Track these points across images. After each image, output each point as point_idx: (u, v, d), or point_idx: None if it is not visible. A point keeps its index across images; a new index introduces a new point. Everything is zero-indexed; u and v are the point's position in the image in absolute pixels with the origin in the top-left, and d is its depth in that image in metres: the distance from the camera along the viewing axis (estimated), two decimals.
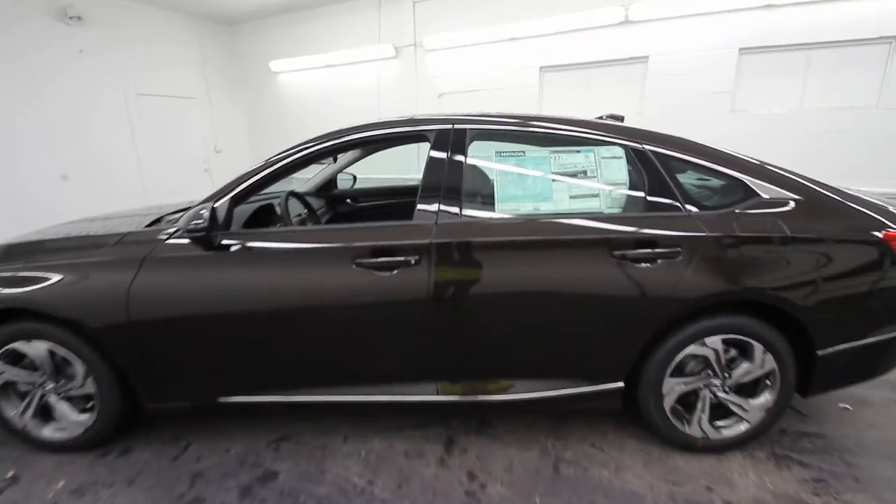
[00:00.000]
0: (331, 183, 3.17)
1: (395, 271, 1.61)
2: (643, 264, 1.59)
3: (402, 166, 5.73)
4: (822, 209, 1.66)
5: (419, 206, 1.67)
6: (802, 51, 4.12)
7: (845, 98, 4.05)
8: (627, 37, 4.61)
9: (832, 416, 2.09)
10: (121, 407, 1.83)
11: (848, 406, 2.16)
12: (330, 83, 6.56)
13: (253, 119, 7.55)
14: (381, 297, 1.63)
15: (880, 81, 3.95)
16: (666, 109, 4.53)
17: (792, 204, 1.65)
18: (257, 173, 1.75)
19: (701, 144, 1.74)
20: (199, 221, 1.55)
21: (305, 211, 2.33)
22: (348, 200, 3.21)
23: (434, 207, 1.66)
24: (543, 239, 1.60)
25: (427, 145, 1.77)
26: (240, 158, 7.42)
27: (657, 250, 1.58)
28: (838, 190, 1.71)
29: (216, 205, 1.67)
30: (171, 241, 1.70)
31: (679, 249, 1.58)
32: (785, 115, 4.23)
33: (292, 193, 2.15)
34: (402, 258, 1.60)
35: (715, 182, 1.75)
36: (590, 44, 4.78)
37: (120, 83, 5.96)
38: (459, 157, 1.70)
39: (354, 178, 3.30)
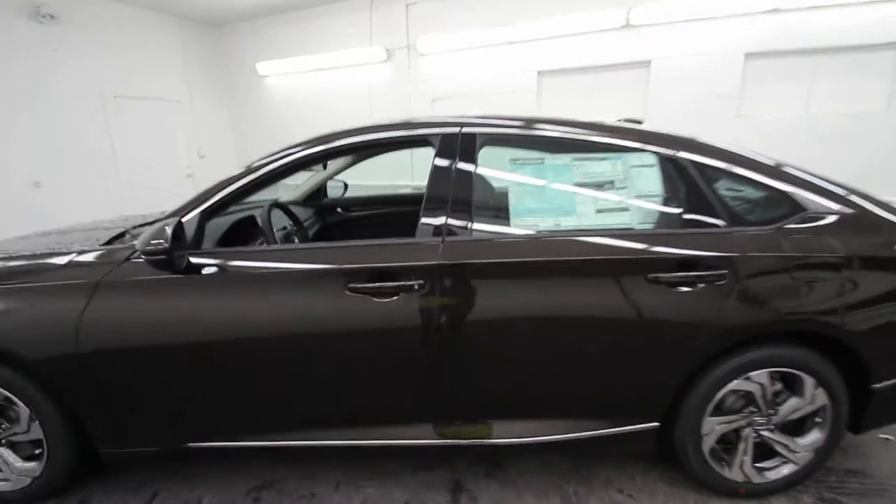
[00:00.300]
0: (320, 191, 2.93)
1: (396, 297, 1.38)
2: (682, 289, 1.38)
3: (395, 172, 5.53)
4: (876, 224, 1.47)
5: (423, 221, 1.44)
6: (810, 56, 3.99)
7: (853, 103, 3.93)
8: (629, 41, 4.46)
9: (874, 448, 1.90)
10: (75, 453, 1.56)
11: (889, 437, 1.97)
12: (319, 87, 6.32)
13: (239, 123, 7.27)
14: (379, 327, 1.40)
15: (889, 87, 3.84)
16: (669, 115, 4.37)
17: (843, 218, 1.46)
18: (234, 182, 1.51)
19: (740, 152, 1.55)
20: (160, 241, 1.30)
21: (291, 224, 2.09)
22: (339, 210, 2.97)
23: (440, 223, 1.43)
24: (567, 260, 1.38)
25: (427, 151, 1.56)
26: (225, 164, 7.12)
27: (698, 273, 1.38)
28: (886, 203, 1.53)
29: (184, 219, 1.43)
30: (131, 262, 1.44)
31: (724, 272, 1.37)
32: (792, 121, 4.10)
33: (276, 204, 1.91)
34: (403, 282, 1.37)
35: (753, 193, 1.55)
36: (590, 47, 4.62)
37: (96, 85, 5.66)
38: (468, 166, 1.48)
39: (345, 185, 3.07)
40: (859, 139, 3.90)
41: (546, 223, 1.45)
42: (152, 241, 1.31)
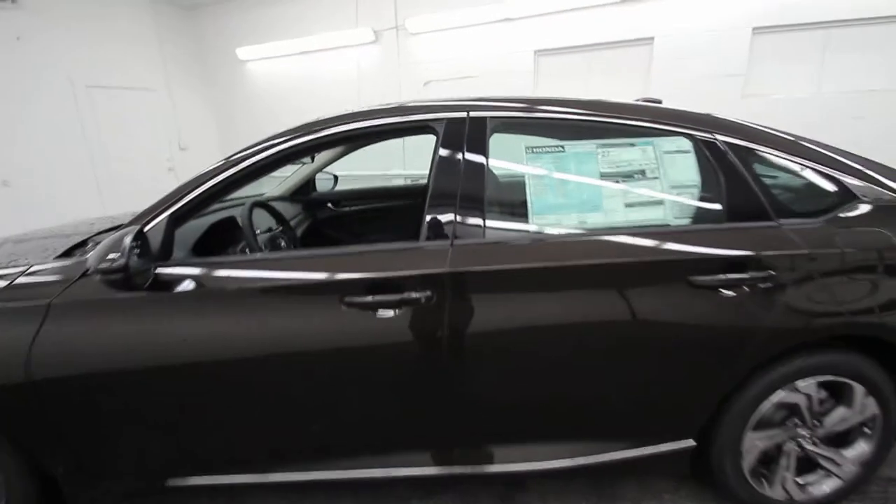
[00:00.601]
0: (308, 185, 2.71)
1: (398, 311, 1.20)
2: (726, 292, 1.21)
3: (385, 161, 5.29)
4: None
5: (428, 221, 1.25)
6: (821, 30, 3.80)
7: (868, 80, 3.75)
8: (631, 16, 4.23)
9: None
10: (37, 497, 1.37)
11: None
12: (304, 72, 6.02)
13: (221, 112, 6.94)
14: (379, 346, 1.21)
15: None
16: (673, 94, 4.15)
17: None
18: (207, 181, 1.30)
19: (782, 134, 1.37)
20: (116, 256, 1.09)
21: (277, 224, 1.87)
22: (329, 205, 2.76)
23: (448, 224, 1.24)
24: (596, 264, 1.20)
25: (421, 137, 1.37)
26: (207, 156, 6.79)
27: (747, 275, 1.20)
28: None
29: (148, 228, 1.22)
30: (88, 278, 1.23)
31: (773, 273, 1.20)
32: (802, 99, 3.93)
33: (258, 203, 1.70)
34: (407, 294, 1.18)
35: (794, 179, 1.37)
36: (589, 24, 4.39)
37: (66, 75, 5.31)
38: (478, 155, 1.28)
39: (336, 178, 2.85)
40: (873, 118, 3.73)
41: (570, 221, 1.26)
42: (108, 257, 1.10)
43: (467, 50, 4.96)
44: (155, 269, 1.22)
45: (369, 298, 1.18)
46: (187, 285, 1.23)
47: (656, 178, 1.28)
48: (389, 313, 1.19)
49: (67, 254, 1.44)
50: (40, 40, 5.03)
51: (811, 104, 3.89)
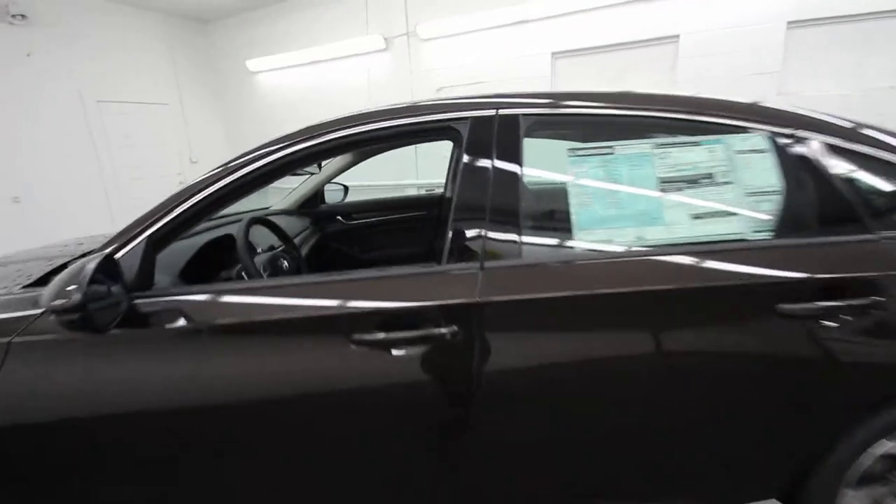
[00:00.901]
0: (316, 196, 2.54)
1: (418, 350, 0.99)
2: (821, 323, 0.97)
3: (397, 169, 5.13)
4: None
5: (452, 240, 1.04)
6: (862, 22, 3.54)
7: None
8: (654, 13, 4.01)
9: None
10: None
11: None
12: (314, 82, 5.92)
13: (231, 125, 6.89)
14: (395, 392, 1.00)
15: None
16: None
17: None
18: (193, 195, 1.11)
19: (864, 126, 1.15)
20: (72, 292, 0.90)
21: (279, 243, 1.68)
22: (339, 218, 2.58)
23: (476, 243, 1.03)
24: (660, 290, 0.98)
25: (440, 144, 1.17)
26: None
27: (842, 302, 0.97)
28: None
29: (122, 253, 1.04)
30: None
31: (878, 298, 0.97)
32: (843, 97, 3.65)
33: (256, 220, 1.51)
34: (427, 331, 0.97)
35: (881, 182, 1.14)
36: (609, 23, 4.18)
37: (77, 90, 5.28)
38: (511, 161, 1.07)
39: (346, 188, 2.68)
40: None
41: (623, 237, 1.04)
42: (65, 290, 0.90)
43: (481, 55, 4.79)
44: (132, 301, 1.03)
45: (382, 336, 0.97)
46: (166, 320, 1.04)
47: (728, 182, 1.06)
48: (406, 353, 0.98)
49: (43, 280, 1.27)
50: (51, 56, 5.00)
51: (853, 101, 3.61)
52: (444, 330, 0.96)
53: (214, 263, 1.47)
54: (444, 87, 5.06)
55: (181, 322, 1.04)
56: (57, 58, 5.06)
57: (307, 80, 5.95)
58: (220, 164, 1.17)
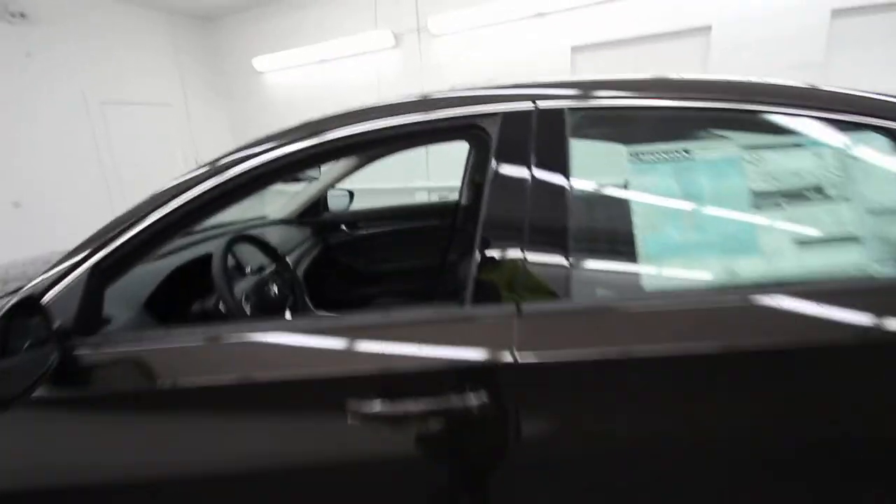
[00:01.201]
0: (318, 204, 2.31)
1: (433, 425, 0.74)
2: None
3: (408, 170, 4.88)
4: None
5: (477, 275, 0.79)
6: None
7: None
8: (683, 3, 3.72)
9: None
10: None
11: None
12: (322, 81, 5.72)
13: (237, 125, 6.71)
14: (403, 479, 0.76)
15: None
16: None
17: None
18: (153, 211, 0.88)
19: None
20: None
21: (270, 262, 1.43)
22: (343, 227, 2.35)
23: (510, 277, 0.78)
24: (768, 348, 0.72)
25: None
26: None
27: None
28: None
29: (52, 295, 0.81)
30: None
31: None
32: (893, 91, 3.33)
33: (241, 238, 1.26)
34: (445, 400, 0.73)
35: None
36: (634, 14, 3.89)
37: (79, 91, 5.13)
38: (556, 170, 0.82)
39: (351, 195, 2.44)
40: None
41: (707, 270, 0.78)
42: None
43: (495, 50, 4.53)
44: (68, 351, 0.80)
45: (383, 408, 0.73)
46: (110, 376, 0.81)
47: (845, 197, 0.79)
48: (417, 430, 0.74)
49: None
50: (52, 55, 4.86)
51: None
52: (466, 402, 0.71)
53: (195, 286, 1.24)
54: (457, 85, 4.80)
55: (130, 379, 0.81)
56: (58, 58, 4.92)
57: (315, 79, 5.76)
58: (186, 172, 0.94)
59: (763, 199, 0.80)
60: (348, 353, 0.77)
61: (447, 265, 2.26)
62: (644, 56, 4.02)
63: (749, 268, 0.77)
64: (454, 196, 2.38)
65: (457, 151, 2.26)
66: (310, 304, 1.63)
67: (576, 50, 4.24)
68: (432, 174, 4.87)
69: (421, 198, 4.93)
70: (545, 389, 0.73)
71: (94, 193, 5.33)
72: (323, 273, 2.12)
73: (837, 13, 3.38)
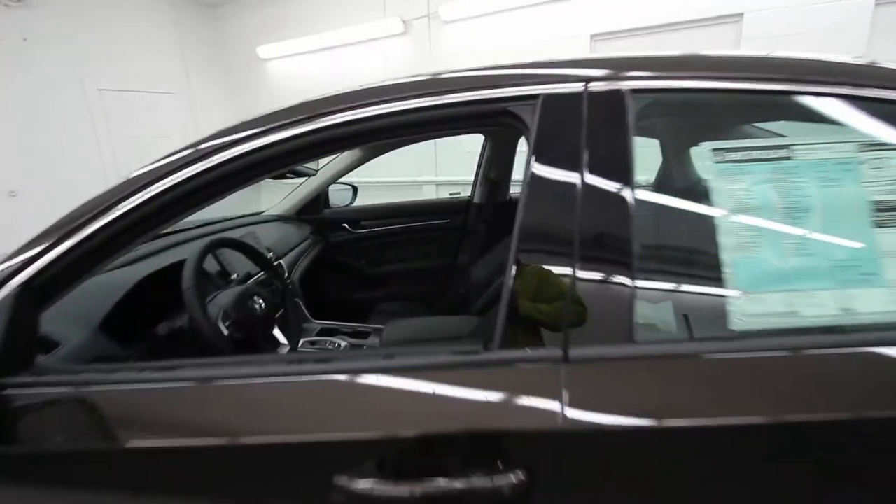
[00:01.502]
0: (319, 200, 2.14)
1: None
2: None
3: (414, 162, 4.69)
4: None
5: (508, 309, 0.61)
6: None
7: None
8: None
9: None
10: None
11: None
12: (328, 70, 5.52)
13: (241, 114, 6.47)
14: None
15: None
16: None
17: None
18: (108, 210, 0.72)
19: None
20: None
21: (259, 270, 1.24)
22: (345, 226, 2.17)
23: (552, 307, 0.60)
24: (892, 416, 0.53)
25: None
26: None
27: None
28: None
29: None
30: None
31: None
32: None
33: (218, 243, 1.07)
34: (465, 482, 0.55)
35: None
36: (658, 1, 3.66)
37: (78, 78, 4.98)
38: (616, 170, 0.63)
39: (355, 189, 2.26)
40: None
41: (815, 304, 0.59)
42: None
43: (509, 38, 4.31)
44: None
45: (385, 486, 0.55)
46: (43, 422, 0.64)
47: None
48: None
49: None
50: (49, 41, 4.71)
51: None
52: (496, 482, 0.53)
53: (170, 300, 1.07)
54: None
55: (67, 430, 0.63)
56: (56, 44, 4.77)
57: (321, 67, 5.56)
58: (147, 163, 0.77)
59: (887, 214, 0.61)
60: (336, 409, 0.59)
61: (458, 267, 2.08)
62: (668, 45, 3.78)
63: (870, 302, 0.58)
64: (466, 193, 2.20)
65: (470, 143, 2.08)
66: (306, 313, 1.46)
67: (596, 38, 4.01)
68: (440, 169, 4.68)
69: (429, 193, 4.74)
70: (607, 465, 0.54)
71: (91, 181, 5.16)
72: (323, 274, 1.96)
73: (882, 2, 3.14)
